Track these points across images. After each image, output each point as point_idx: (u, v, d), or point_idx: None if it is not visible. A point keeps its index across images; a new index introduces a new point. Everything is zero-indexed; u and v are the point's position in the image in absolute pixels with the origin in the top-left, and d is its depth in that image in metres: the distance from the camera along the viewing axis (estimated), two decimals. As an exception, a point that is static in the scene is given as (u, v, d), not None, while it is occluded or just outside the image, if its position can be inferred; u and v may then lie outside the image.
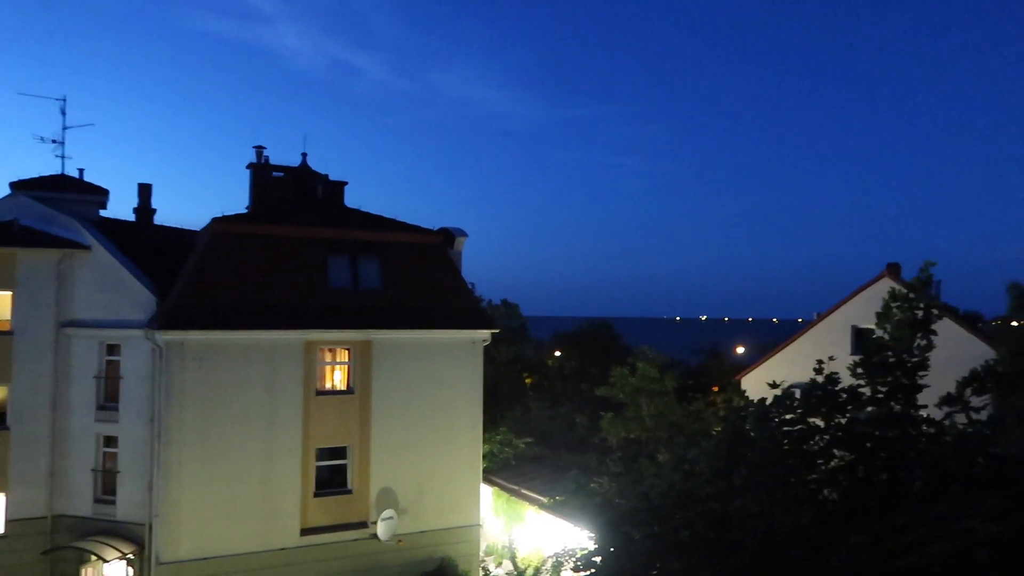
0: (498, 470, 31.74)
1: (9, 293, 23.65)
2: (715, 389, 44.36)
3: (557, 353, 58.95)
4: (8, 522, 23.40)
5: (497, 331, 26.81)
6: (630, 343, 57.42)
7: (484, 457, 27.40)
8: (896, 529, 8.05)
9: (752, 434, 10.05)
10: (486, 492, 28.85)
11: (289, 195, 27.22)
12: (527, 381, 49.19)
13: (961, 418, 9.76)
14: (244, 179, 27.15)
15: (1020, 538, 7.78)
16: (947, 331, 28.86)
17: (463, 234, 27.21)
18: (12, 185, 25.59)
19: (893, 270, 31.64)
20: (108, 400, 23.96)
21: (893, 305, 10.86)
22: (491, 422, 31.84)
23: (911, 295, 10.85)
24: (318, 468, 23.47)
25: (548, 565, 21.70)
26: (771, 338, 67.62)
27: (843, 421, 9.98)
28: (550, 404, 42.19)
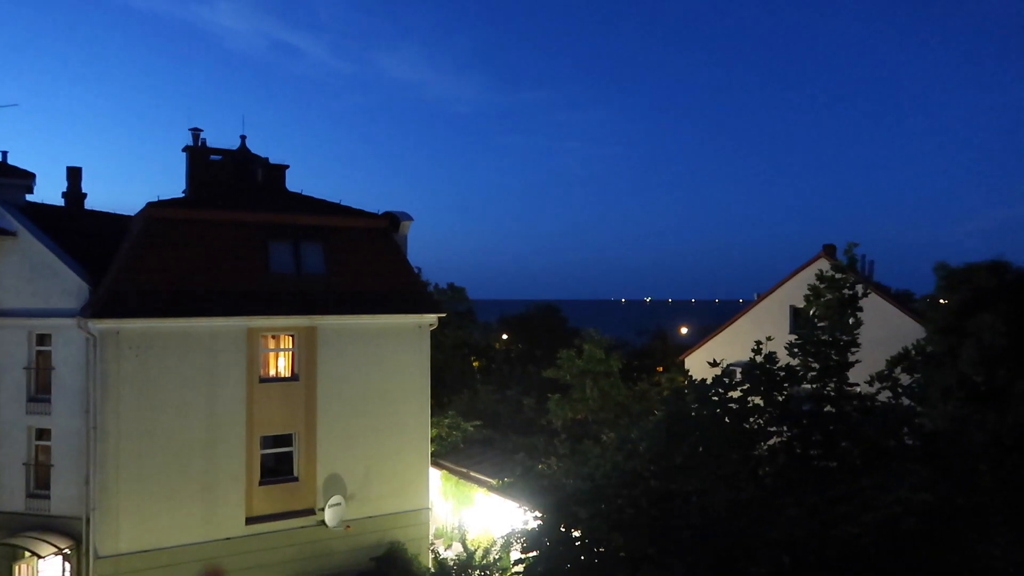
0: (447, 453, 31.78)
1: (-71, 282, 22.60)
2: (660, 370, 45.13)
3: (504, 336, 59.14)
4: (-67, 521, 22.51)
5: (443, 315, 26.72)
6: (576, 325, 57.94)
7: (432, 441, 27.39)
8: (831, 500, 8.34)
9: (693, 413, 10.27)
10: (435, 476, 28.87)
11: (228, 179, 26.55)
12: (474, 364, 49.26)
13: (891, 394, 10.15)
14: (181, 163, 26.38)
15: (945, 505, 8.17)
16: (880, 310, 29.91)
17: (408, 218, 26.99)
18: (-71, 168, 24.36)
19: (829, 251, 32.53)
20: (39, 392, 23.15)
21: (821, 286, 11.22)
22: (439, 406, 31.84)
23: (837, 276, 11.23)
24: (263, 456, 23.12)
25: (497, 546, 21.85)
26: (714, 319, 69.02)
27: (780, 399, 10.28)
28: (497, 387, 42.38)
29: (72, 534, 22.35)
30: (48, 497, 22.83)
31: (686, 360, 36.85)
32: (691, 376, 11.55)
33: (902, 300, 34.18)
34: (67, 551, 22.29)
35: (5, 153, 26.50)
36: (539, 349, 49.65)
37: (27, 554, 22.28)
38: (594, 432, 26.61)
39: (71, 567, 22.65)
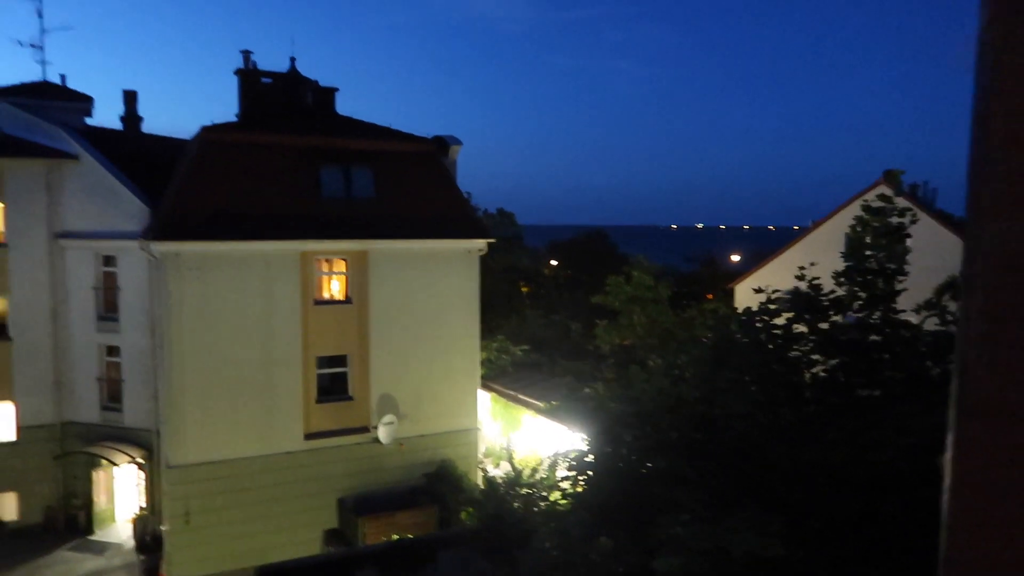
0: (495, 376, 32.45)
1: (0, 205, 23.55)
2: (709, 297, 44.84)
3: (552, 262, 59.22)
4: (20, 428, 24.09)
5: (492, 240, 26.88)
6: (625, 251, 57.62)
7: (481, 364, 27.97)
8: (868, 425, 8.39)
9: (738, 339, 10.31)
10: (484, 398, 29.60)
11: (279, 102, 26.71)
12: (523, 290, 49.62)
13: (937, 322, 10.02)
14: (233, 85, 26.57)
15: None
16: (938, 237, 29.04)
17: (457, 142, 26.89)
18: (-7, 93, 25.09)
19: (889, 177, 31.48)
20: (108, 311, 24.24)
21: (867, 217, 10.95)
22: (488, 330, 32.33)
23: (883, 205, 10.94)
24: (319, 376, 23.98)
25: (544, 465, 22.52)
26: (767, 246, 67.88)
27: (825, 327, 10.23)
28: (545, 312, 42.73)
29: (144, 445, 23.74)
30: (121, 410, 24.19)
31: (736, 288, 36.54)
32: (737, 304, 11.51)
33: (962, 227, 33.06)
34: (140, 460, 23.74)
35: (63, 77, 27.11)
36: (587, 275, 49.68)
37: (104, 462, 23.79)
38: (640, 358, 26.82)
39: (144, 475, 24.15)
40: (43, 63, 26.97)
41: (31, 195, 23.63)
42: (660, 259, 48.19)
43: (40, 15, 27.00)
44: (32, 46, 26.74)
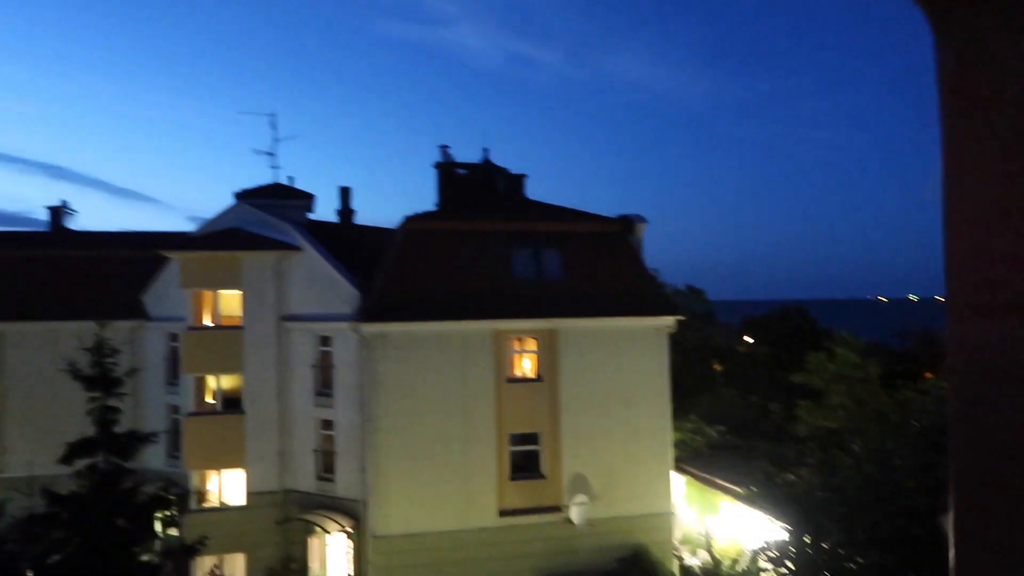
0: (690, 459, 31.29)
1: (239, 292, 26.71)
2: (927, 376, 40.71)
3: (747, 339, 56.77)
4: (249, 494, 26.51)
5: (682, 317, 26.43)
6: (827, 326, 54.03)
7: (675, 445, 27.15)
8: None
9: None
10: (678, 481, 28.57)
11: (473, 190, 28.45)
12: (716, 368, 47.88)
13: None
14: (432, 176, 28.75)
15: None
16: None
17: (643, 220, 27.04)
18: (236, 195, 28.86)
19: None
20: (323, 387, 26.38)
21: None
22: (680, 410, 31.42)
23: None
24: (512, 453, 24.41)
25: (746, 557, 21.18)
26: (995, 318, 60.78)
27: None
28: (741, 392, 40.85)
29: (352, 514, 25.19)
30: (333, 480, 25.94)
31: (960, 365, 32.84)
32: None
33: None
34: (348, 529, 25.18)
35: (291, 178, 30.70)
36: (785, 352, 47.03)
37: (318, 529, 25.49)
38: (846, 442, 24.75)
39: (352, 544, 25.54)
40: (275, 167, 30.81)
41: (263, 283, 26.64)
42: (868, 334, 44.69)
43: (274, 127, 31.07)
44: (267, 154, 30.71)
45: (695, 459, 31.40)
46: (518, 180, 29.71)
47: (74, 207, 33.85)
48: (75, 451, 17.44)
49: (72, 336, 23.30)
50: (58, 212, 33.62)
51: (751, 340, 56.32)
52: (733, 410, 37.61)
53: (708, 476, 29.15)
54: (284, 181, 30.61)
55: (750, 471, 27.53)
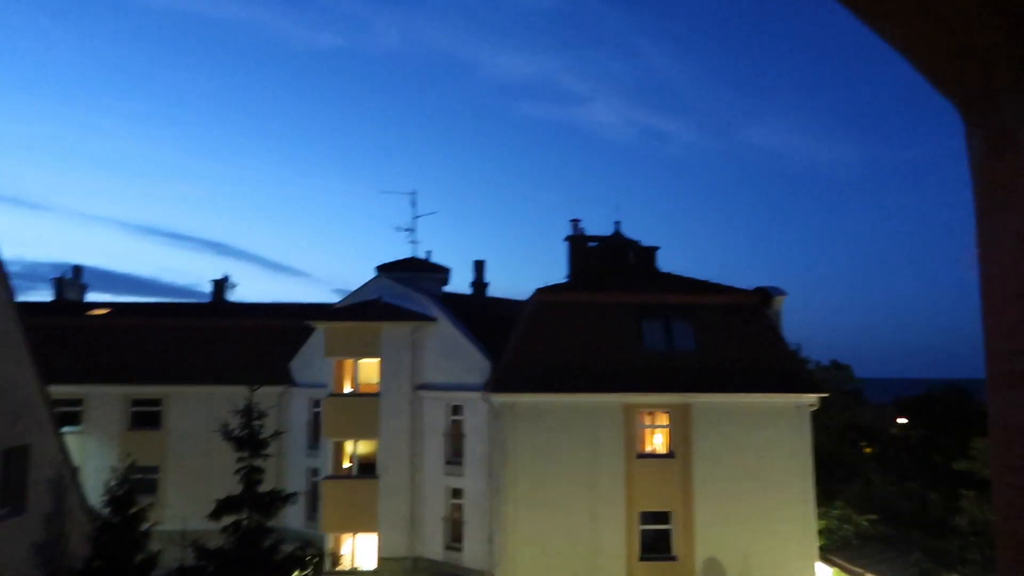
0: (837, 548, 28.96)
1: (377, 360, 27.82)
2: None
3: (901, 420, 52.58)
4: (380, 559, 26.96)
5: (825, 395, 24.96)
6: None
7: (820, 533, 25.28)
8: None
9: None
10: (824, 572, 26.46)
11: (604, 263, 28.55)
12: (866, 451, 44.52)
13: None
14: (563, 249, 29.14)
15: None
16: None
17: (781, 292, 26.08)
18: (377, 268, 30.42)
19: None
20: (454, 455, 26.73)
21: None
22: (825, 495, 29.34)
23: None
24: (642, 532, 23.57)
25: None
26: None
27: None
28: (895, 478, 37.66)
29: (478, 586, 25.00)
30: (460, 550, 25.96)
31: None
32: None
33: None
34: (474, 602, 24.95)
35: (429, 253, 32.04)
36: (945, 436, 43.12)
37: (444, 600, 25.41)
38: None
39: (477, 617, 25.24)
40: (413, 242, 32.30)
41: (399, 352, 27.66)
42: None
43: (413, 204, 32.74)
44: (406, 229, 32.30)
45: (843, 549, 29.00)
46: (649, 252, 29.59)
47: (235, 280, 36.83)
48: (223, 508, 18.51)
49: (225, 399, 24.87)
50: (221, 285, 36.64)
51: (904, 421, 52.13)
52: (886, 497, 34.65)
53: (859, 570, 26.80)
54: (422, 255, 31.98)
55: (905, 566, 25.13)
